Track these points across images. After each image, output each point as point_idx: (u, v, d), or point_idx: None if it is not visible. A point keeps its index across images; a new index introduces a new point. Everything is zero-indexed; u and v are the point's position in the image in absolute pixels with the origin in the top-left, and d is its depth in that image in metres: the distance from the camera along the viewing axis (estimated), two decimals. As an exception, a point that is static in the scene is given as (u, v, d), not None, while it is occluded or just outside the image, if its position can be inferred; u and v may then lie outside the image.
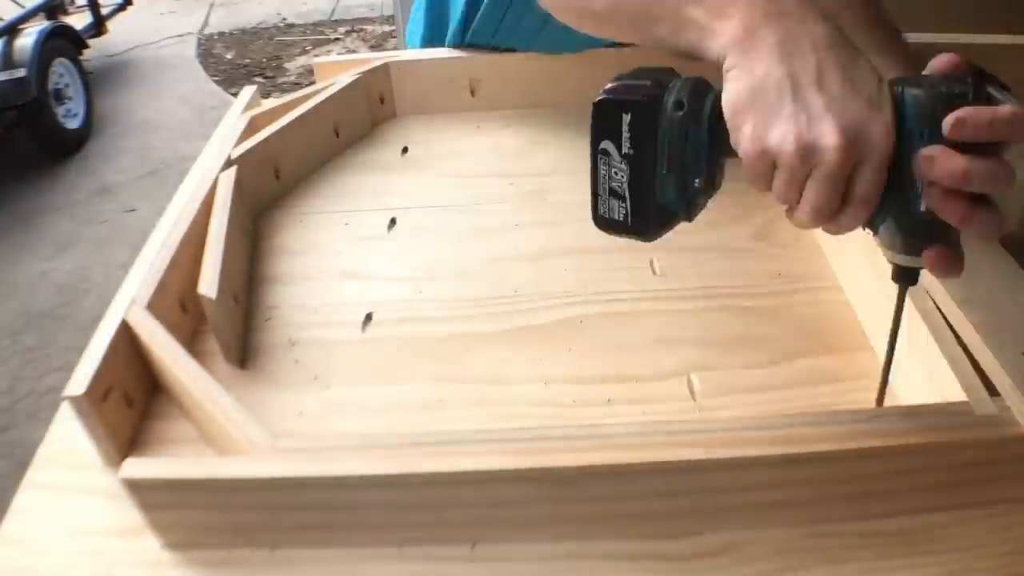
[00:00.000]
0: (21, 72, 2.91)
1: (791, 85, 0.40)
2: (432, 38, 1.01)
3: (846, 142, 0.39)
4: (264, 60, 4.25)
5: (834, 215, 0.42)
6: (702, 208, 0.48)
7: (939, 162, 0.38)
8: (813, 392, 0.58)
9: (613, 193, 0.49)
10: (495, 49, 0.93)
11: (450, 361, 0.62)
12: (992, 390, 0.49)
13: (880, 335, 0.60)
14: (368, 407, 0.58)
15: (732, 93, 0.42)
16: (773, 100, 0.41)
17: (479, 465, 0.45)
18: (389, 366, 0.62)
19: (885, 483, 0.48)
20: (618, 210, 0.50)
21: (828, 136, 0.39)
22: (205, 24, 4.82)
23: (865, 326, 0.63)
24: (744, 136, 0.42)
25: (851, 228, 0.43)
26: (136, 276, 0.61)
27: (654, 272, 0.70)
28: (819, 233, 0.72)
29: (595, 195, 0.51)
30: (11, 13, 3.25)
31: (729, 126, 0.43)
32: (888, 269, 0.46)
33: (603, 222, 0.51)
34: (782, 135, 0.40)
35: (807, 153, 0.40)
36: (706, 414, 0.56)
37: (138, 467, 0.46)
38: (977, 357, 0.52)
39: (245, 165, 0.76)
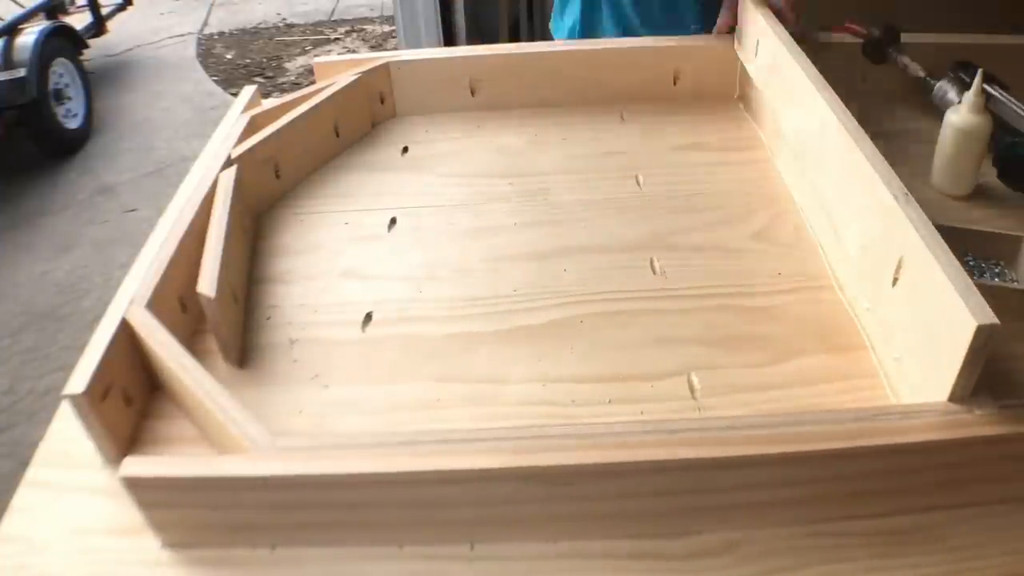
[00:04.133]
0: (21, 72, 2.91)
1: None
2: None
3: None
4: (264, 60, 4.24)
5: None
6: None
7: None
8: (813, 391, 0.58)
9: None
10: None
11: (450, 361, 0.62)
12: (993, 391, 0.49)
13: (879, 335, 0.60)
14: (368, 406, 0.58)
15: None
16: None
17: (478, 464, 0.45)
18: (389, 365, 0.62)
19: (885, 482, 0.48)
20: None
21: None
22: (205, 24, 4.81)
23: (863, 326, 0.63)
24: None
25: None
26: (136, 275, 0.61)
27: (654, 272, 0.70)
28: (818, 233, 0.72)
29: None
30: (11, 13, 3.25)
31: None
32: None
33: None
34: None
35: None
36: (706, 413, 0.56)
37: (138, 465, 0.46)
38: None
39: (245, 164, 0.76)
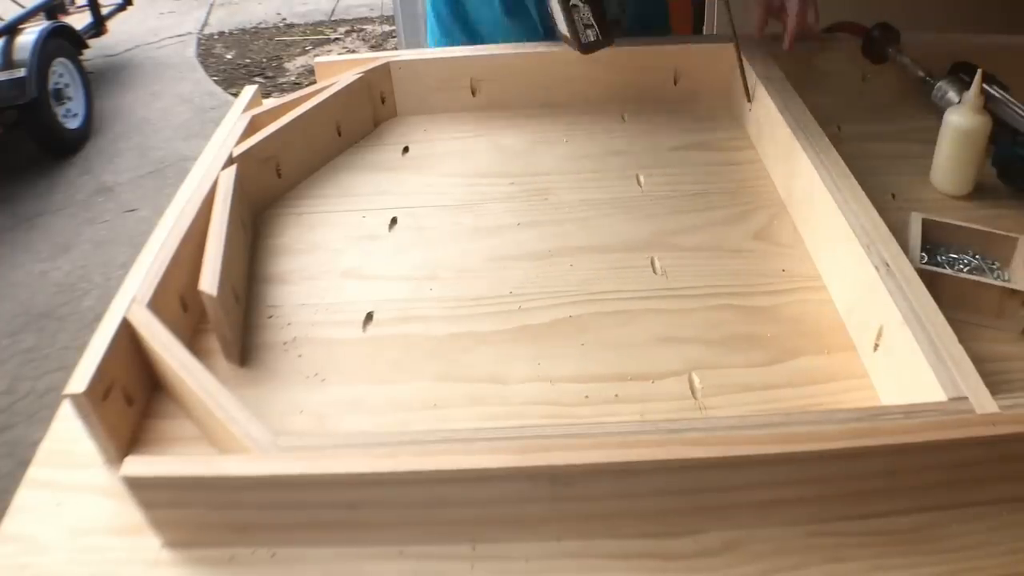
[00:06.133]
0: (21, 72, 2.91)
1: None
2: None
3: None
4: (264, 60, 4.24)
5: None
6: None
7: None
8: (813, 391, 0.58)
9: (587, 26, 0.83)
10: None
11: (451, 360, 0.62)
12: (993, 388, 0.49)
13: (866, 336, 0.60)
14: (369, 406, 0.58)
15: None
16: None
17: (480, 464, 0.45)
18: (390, 365, 0.62)
19: (885, 482, 0.48)
20: (593, 35, 0.84)
21: None
22: (205, 24, 4.81)
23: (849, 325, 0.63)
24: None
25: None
26: (137, 274, 0.61)
27: (655, 271, 0.70)
28: (816, 235, 0.72)
29: (575, 34, 0.83)
30: (11, 13, 3.25)
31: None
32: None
33: (588, 47, 0.84)
34: None
35: None
36: (707, 413, 0.56)
37: (139, 465, 0.46)
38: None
39: (246, 163, 0.76)
